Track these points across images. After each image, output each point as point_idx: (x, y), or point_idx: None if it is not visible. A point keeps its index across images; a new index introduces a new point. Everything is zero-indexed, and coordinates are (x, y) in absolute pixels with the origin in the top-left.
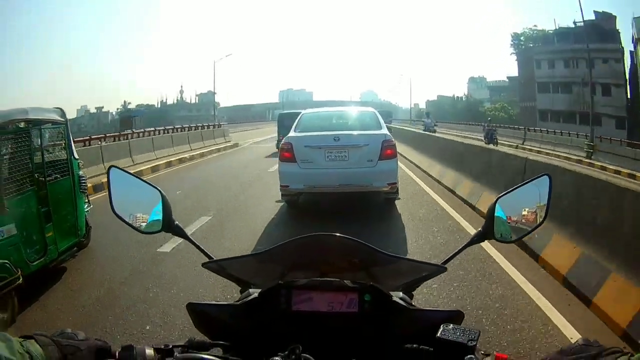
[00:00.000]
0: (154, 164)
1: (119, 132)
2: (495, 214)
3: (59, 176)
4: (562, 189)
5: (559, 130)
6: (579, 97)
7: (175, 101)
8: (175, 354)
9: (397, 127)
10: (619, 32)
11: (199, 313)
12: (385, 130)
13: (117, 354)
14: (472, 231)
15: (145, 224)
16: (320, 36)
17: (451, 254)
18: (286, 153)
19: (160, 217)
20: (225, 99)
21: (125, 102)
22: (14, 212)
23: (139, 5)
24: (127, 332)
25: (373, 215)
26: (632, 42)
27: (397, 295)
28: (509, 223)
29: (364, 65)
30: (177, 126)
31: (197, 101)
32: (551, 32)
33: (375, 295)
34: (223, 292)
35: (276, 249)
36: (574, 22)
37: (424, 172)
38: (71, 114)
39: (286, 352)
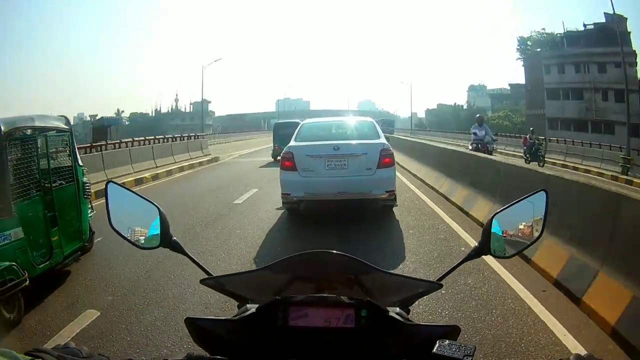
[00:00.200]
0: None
1: (91, 144)
2: (492, 230)
3: (63, 182)
4: None
5: (587, 141)
6: (590, 104)
7: (170, 110)
8: None
9: (413, 139)
10: (630, 34)
11: (197, 328)
12: (383, 140)
13: None
14: None
15: (143, 238)
16: (317, 45)
17: (447, 271)
18: (287, 162)
19: (158, 232)
20: (220, 108)
21: (118, 110)
22: (21, 216)
23: (137, 12)
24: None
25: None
26: None
27: (394, 311)
28: (505, 238)
29: (362, 74)
30: (149, 137)
31: (191, 110)
32: (560, 35)
33: (371, 310)
34: (225, 305)
35: (274, 265)
36: (584, 25)
37: None
38: None
39: None
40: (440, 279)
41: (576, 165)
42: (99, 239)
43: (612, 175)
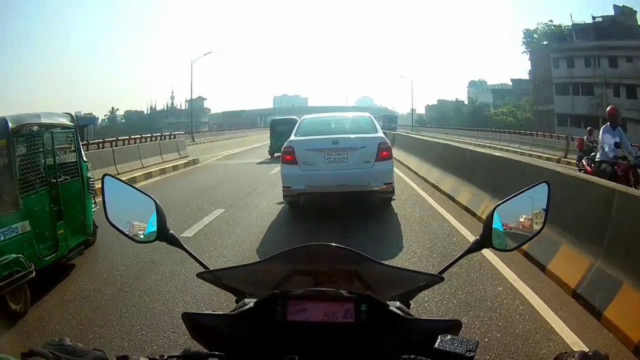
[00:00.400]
0: None
1: None
2: (494, 222)
3: (68, 177)
4: None
5: None
6: (601, 100)
7: (166, 107)
8: None
9: (426, 137)
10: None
11: (195, 323)
12: (380, 134)
13: None
14: None
15: (139, 232)
16: (315, 42)
17: (448, 264)
18: (288, 156)
19: (154, 226)
20: (217, 105)
21: (113, 108)
22: (28, 210)
23: (136, 11)
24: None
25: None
26: None
27: (394, 305)
28: (507, 231)
29: (360, 71)
30: (122, 137)
31: (187, 107)
32: (568, 28)
33: (371, 305)
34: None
35: (271, 258)
36: (592, 18)
37: None
38: None
39: None
40: (442, 272)
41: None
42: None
43: None
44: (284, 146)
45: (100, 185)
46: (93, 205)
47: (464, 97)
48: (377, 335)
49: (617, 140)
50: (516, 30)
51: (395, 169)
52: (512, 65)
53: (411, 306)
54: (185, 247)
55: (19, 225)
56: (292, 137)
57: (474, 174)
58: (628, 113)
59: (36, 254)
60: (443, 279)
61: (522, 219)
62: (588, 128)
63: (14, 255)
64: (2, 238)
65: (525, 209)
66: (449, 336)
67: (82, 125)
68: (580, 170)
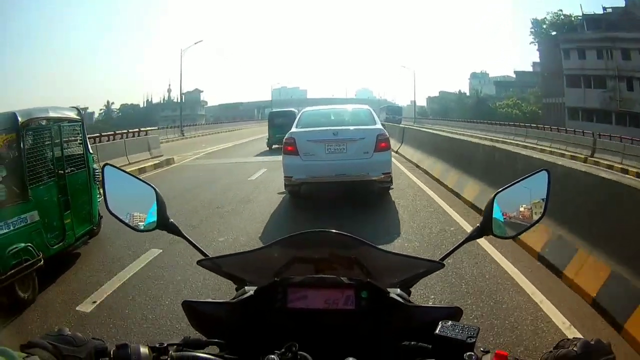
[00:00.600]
0: None
1: None
2: (494, 210)
3: (75, 169)
4: None
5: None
6: (615, 94)
7: (163, 100)
8: (171, 352)
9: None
10: None
11: (195, 311)
12: (379, 125)
13: (112, 353)
14: None
15: (140, 221)
16: (314, 33)
17: (449, 250)
18: (290, 147)
19: (155, 214)
20: (215, 98)
21: (108, 102)
22: (37, 200)
23: (135, 10)
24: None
25: None
26: None
27: (395, 292)
28: (507, 219)
29: (359, 63)
30: (91, 136)
31: (183, 100)
32: (578, 18)
33: (372, 292)
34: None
35: (271, 245)
36: (603, 8)
37: None
38: None
39: (282, 350)
40: (443, 258)
41: None
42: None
43: None
44: (285, 137)
45: None
46: (98, 196)
47: (465, 89)
48: (378, 322)
49: None
50: (518, 21)
51: (411, 177)
52: (514, 57)
53: (412, 294)
54: (186, 235)
55: (28, 215)
56: (294, 129)
57: None
58: None
59: (44, 243)
60: (444, 265)
61: (522, 209)
62: None
63: (23, 244)
64: (12, 228)
65: (525, 198)
66: (450, 322)
67: None
68: None
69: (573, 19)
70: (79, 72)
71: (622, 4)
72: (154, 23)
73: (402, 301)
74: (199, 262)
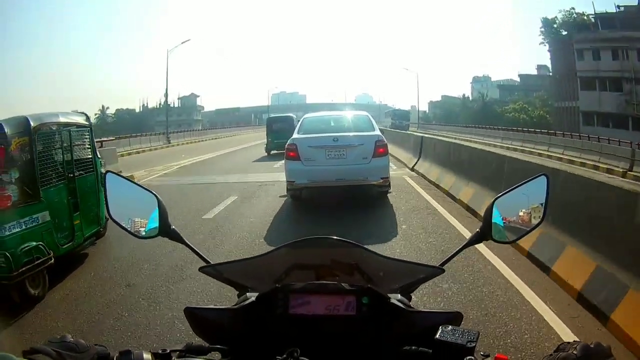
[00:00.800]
0: None
1: None
2: (493, 215)
3: (84, 172)
4: None
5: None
6: (631, 97)
7: (159, 105)
8: (173, 358)
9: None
10: None
11: (197, 317)
12: (377, 132)
13: (114, 359)
14: None
15: (142, 228)
16: (313, 38)
17: (449, 256)
18: (291, 152)
19: (156, 221)
20: (212, 102)
21: (103, 106)
22: (48, 201)
23: (136, 11)
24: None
25: None
26: None
27: (395, 298)
28: (506, 224)
29: (359, 68)
30: None
31: (179, 105)
32: (592, 16)
33: (373, 297)
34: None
35: (273, 252)
36: (616, 7)
37: None
38: None
39: (284, 356)
40: (443, 264)
41: None
42: None
43: None
44: (287, 143)
45: None
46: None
47: (467, 93)
48: (379, 328)
49: None
50: (520, 23)
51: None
52: (516, 61)
53: (412, 299)
54: (187, 242)
55: (40, 215)
56: (295, 135)
57: None
58: None
59: (55, 242)
60: (444, 270)
61: (521, 213)
62: None
63: (34, 243)
64: (25, 227)
65: (524, 203)
66: (450, 327)
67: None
68: None
69: (586, 17)
70: (79, 72)
71: (634, 2)
72: (154, 25)
73: (403, 307)
74: (200, 269)
